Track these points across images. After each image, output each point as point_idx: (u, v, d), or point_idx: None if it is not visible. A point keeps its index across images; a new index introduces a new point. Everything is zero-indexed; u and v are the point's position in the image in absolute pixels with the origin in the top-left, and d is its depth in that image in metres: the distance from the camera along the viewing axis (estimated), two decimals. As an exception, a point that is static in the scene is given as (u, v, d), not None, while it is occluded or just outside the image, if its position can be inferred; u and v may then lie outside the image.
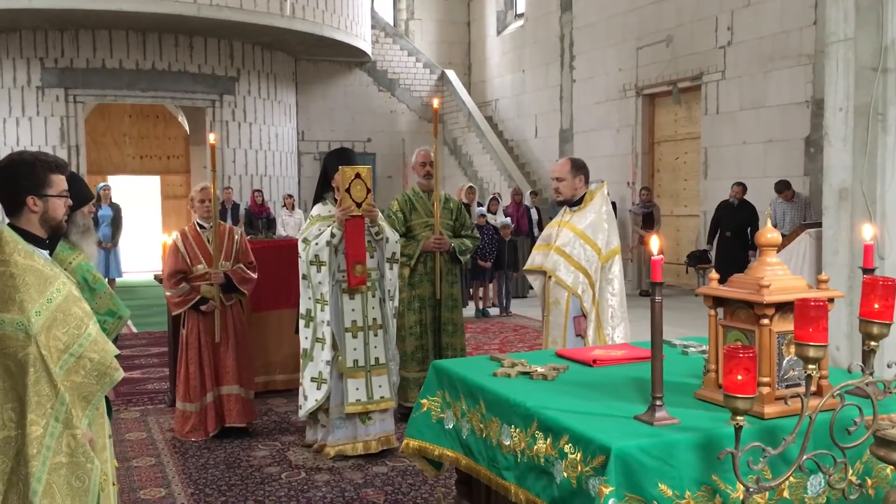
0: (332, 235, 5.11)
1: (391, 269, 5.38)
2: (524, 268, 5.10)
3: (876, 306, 1.77)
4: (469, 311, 11.55)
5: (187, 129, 18.26)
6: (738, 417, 1.70)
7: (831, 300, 2.07)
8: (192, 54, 16.04)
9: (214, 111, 16.49)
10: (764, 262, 2.17)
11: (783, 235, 9.15)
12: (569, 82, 17.21)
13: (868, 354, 1.80)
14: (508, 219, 12.61)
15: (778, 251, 6.89)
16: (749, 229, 11.54)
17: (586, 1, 16.54)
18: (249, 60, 16.90)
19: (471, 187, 12.38)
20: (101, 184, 14.24)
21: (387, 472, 5.04)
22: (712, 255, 12.30)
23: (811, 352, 1.72)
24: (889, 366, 1.80)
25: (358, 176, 5.14)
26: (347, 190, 5.09)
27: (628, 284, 5.49)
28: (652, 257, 1.99)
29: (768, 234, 2.19)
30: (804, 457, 1.73)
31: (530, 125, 18.72)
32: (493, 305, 12.08)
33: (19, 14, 13.88)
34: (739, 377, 1.66)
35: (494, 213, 12.58)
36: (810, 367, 1.74)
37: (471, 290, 11.93)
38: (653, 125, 15.24)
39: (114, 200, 13.86)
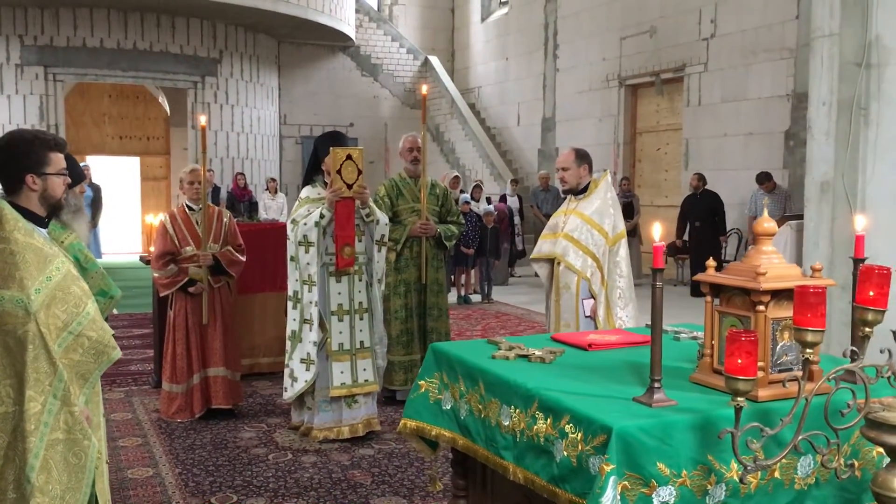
0: (322, 216, 5.12)
1: (380, 251, 5.41)
2: (531, 256, 5.23)
3: (871, 294, 1.84)
4: (451, 297, 11.60)
5: (168, 110, 18.12)
6: (739, 399, 1.77)
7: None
8: (174, 35, 15.90)
9: (196, 93, 16.38)
10: (760, 250, 2.23)
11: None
12: (552, 71, 17.27)
13: (863, 340, 1.87)
14: (491, 207, 12.66)
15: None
16: (716, 217, 11.84)
17: (571, -10, 16.60)
18: (232, 42, 16.79)
19: (455, 177, 12.45)
20: (81, 164, 14.11)
21: (373, 455, 5.09)
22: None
23: (809, 336, 1.79)
24: (881, 351, 1.87)
25: (349, 157, 5.14)
26: (339, 171, 5.09)
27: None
28: (654, 244, 2.04)
29: (765, 223, 2.25)
30: (799, 437, 1.80)
31: (513, 113, 18.77)
32: (475, 292, 12.14)
33: (-1, -10, 13.73)
34: (740, 360, 1.72)
35: (477, 201, 12.62)
36: (808, 351, 1.80)
37: (452, 276, 11.99)
38: (635, 115, 15.35)
39: (93, 181, 13.74)
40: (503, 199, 13.88)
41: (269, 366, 7.06)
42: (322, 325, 5.20)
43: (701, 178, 12.10)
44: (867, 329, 1.87)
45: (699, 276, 2.29)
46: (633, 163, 15.37)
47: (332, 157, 5.11)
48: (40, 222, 2.81)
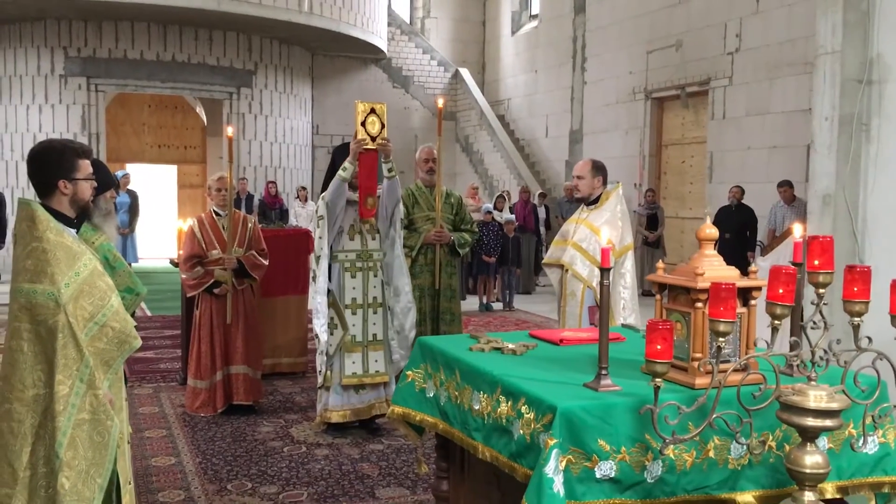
0: (344, 169, 5.35)
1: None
2: (543, 261, 5.47)
3: (780, 291, 2.07)
4: (473, 304, 11.87)
5: (205, 120, 18.64)
6: (657, 379, 2.01)
7: (758, 289, 2.38)
8: (211, 47, 16.41)
9: (232, 103, 16.85)
10: (702, 253, 2.48)
11: (776, 237, 9.45)
12: (580, 84, 17.47)
13: (773, 332, 2.11)
14: (513, 216, 12.91)
15: (768, 252, 7.09)
16: (748, 232, 11.86)
17: (599, 4, 16.80)
18: (267, 54, 17.26)
19: (473, 187, 12.83)
20: (122, 172, 14.61)
21: (382, 450, 5.37)
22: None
23: (721, 326, 2.03)
24: (790, 343, 2.10)
25: (373, 111, 5.37)
26: (363, 124, 5.31)
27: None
28: (602, 246, 2.29)
29: (707, 229, 2.50)
30: (714, 415, 2.03)
31: (541, 125, 18.99)
32: (497, 300, 12.38)
33: (45, 3, 14.29)
34: (658, 346, 1.97)
35: (500, 211, 12.87)
36: (720, 339, 2.04)
37: (476, 284, 12.27)
38: (661, 128, 15.49)
39: (131, 188, 14.22)
40: (522, 204, 14.11)
41: (289, 366, 7.37)
42: (343, 322, 5.47)
43: (741, 192, 12.08)
44: (776, 322, 2.10)
45: (650, 277, 2.54)
46: (659, 175, 15.51)
47: (355, 110, 5.32)
48: (70, 223, 3.10)
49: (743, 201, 12.03)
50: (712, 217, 12.06)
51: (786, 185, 11.33)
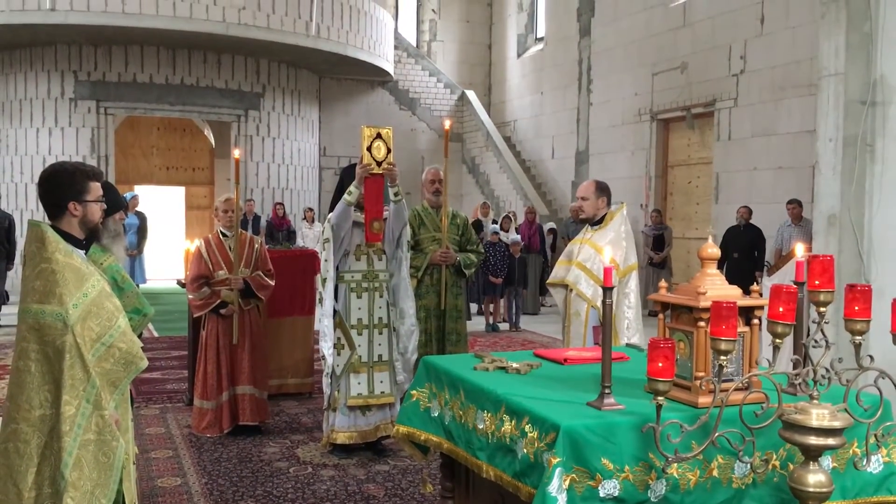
0: (350, 193, 5.38)
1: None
2: (548, 281, 5.50)
3: (781, 309, 2.09)
4: (480, 325, 11.87)
5: (213, 142, 18.76)
6: (659, 398, 2.03)
7: (760, 307, 2.40)
8: (219, 70, 16.56)
9: (240, 126, 16.97)
10: (705, 273, 2.50)
11: (782, 256, 9.44)
12: (586, 105, 17.54)
13: (775, 350, 2.12)
14: (518, 237, 12.94)
15: (774, 272, 7.08)
16: (756, 252, 11.87)
17: (605, 26, 16.90)
18: (275, 77, 17.40)
19: (485, 203, 12.83)
20: (130, 193, 14.69)
21: (388, 470, 5.36)
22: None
23: (722, 345, 2.04)
24: (792, 361, 2.11)
25: (379, 136, 5.40)
26: (368, 149, 5.34)
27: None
28: (604, 265, 2.31)
29: (709, 249, 2.51)
30: (716, 434, 2.04)
31: (547, 146, 19.05)
32: (504, 321, 12.38)
33: (55, 29, 14.45)
34: (660, 364, 1.98)
35: (507, 231, 12.91)
36: (722, 358, 2.06)
37: (481, 305, 12.27)
38: (667, 149, 15.51)
39: (139, 209, 14.29)
40: (527, 224, 14.17)
41: (295, 386, 7.37)
42: (350, 342, 5.48)
43: (749, 211, 12.12)
44: (777, 340, 2.12)
45: (652, 296, 2.55)
46: (665, 195, 15.52)
47: (361, 135, 5.35)
48: (79, 244, 3.14)
49: (751, 221, 12.06)
50: (720, 237, 12.17)
51: (794, 204, 11.37)
